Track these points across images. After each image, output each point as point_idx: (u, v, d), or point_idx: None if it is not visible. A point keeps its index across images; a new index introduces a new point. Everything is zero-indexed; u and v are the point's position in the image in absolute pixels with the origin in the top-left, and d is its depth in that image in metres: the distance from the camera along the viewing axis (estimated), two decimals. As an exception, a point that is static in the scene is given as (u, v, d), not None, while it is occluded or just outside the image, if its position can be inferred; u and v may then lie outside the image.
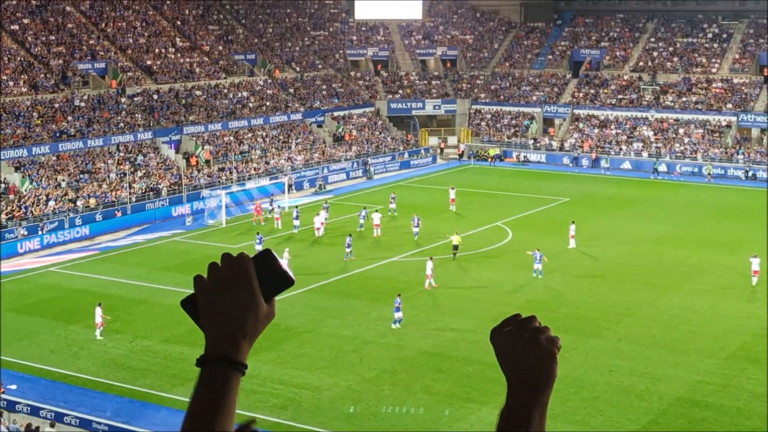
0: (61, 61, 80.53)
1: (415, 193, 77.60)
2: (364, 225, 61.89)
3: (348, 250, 54.50)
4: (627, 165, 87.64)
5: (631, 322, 43.97)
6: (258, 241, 55.28)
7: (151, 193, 69.54)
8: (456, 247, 54.79)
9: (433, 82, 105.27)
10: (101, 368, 38.62)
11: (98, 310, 42.41)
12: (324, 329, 43.23)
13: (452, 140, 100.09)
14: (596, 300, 47.43)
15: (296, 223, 61.85)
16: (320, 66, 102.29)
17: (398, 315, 42.78)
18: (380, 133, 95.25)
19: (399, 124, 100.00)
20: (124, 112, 78.08)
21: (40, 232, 60.24)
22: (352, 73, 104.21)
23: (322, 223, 61.41)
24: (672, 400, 35.12)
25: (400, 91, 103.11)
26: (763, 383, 36.62)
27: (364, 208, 64.08)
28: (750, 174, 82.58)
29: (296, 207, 65.17)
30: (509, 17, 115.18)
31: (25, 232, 59.30)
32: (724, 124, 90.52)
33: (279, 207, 64.85)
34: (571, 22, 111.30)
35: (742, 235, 60.78)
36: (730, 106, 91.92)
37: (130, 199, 67.44)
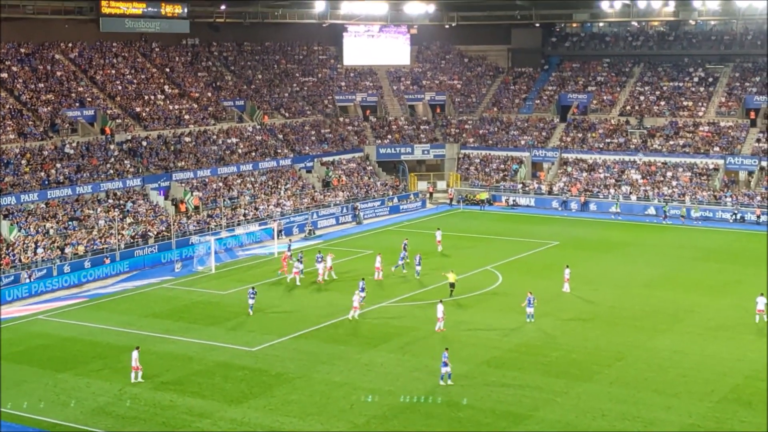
0: (49, 109, 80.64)
1: (405, 237, 77.54)
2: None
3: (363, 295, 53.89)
4: (614, 209, 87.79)
5: (623, 366, 43.84)
6: (251, 295, 53.94)
7: (140, 239, 69.38)
8: (452, 285, 55.14)
9: (422, 127, 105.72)
10: (90, 417, 38.25)
11: (135, 354, 42.46)
12: (314, 375, 42.96)
13: (441, 185, 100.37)
14: (588, 343, 47.31)
15: (300, 266, 61.60)
16: (309, 112, 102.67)
17: (446, 369, 40.92)
18: (369, 178, 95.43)
19: (388, 169, 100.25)
20: (113, 159, 78.09)
21: (28, 280, 59.97)
22: (341, 119, 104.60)
23: (329, 268, 61.74)
24: (665, 443, 34.98)
25: (389, 136, 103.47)
26: (755, 425, 36.48)
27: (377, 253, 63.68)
28: (738, 216, 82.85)
29: (300, 251, 65.53)
30: (497, 62, 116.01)
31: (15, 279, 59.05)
32: (711, 167, 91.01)
33: (298, 261, 62.42)
34: (558, 67, 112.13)
35: (731, 277, 60.88)
36: (717, 149, 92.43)
37: (119, 245, 67.26)
